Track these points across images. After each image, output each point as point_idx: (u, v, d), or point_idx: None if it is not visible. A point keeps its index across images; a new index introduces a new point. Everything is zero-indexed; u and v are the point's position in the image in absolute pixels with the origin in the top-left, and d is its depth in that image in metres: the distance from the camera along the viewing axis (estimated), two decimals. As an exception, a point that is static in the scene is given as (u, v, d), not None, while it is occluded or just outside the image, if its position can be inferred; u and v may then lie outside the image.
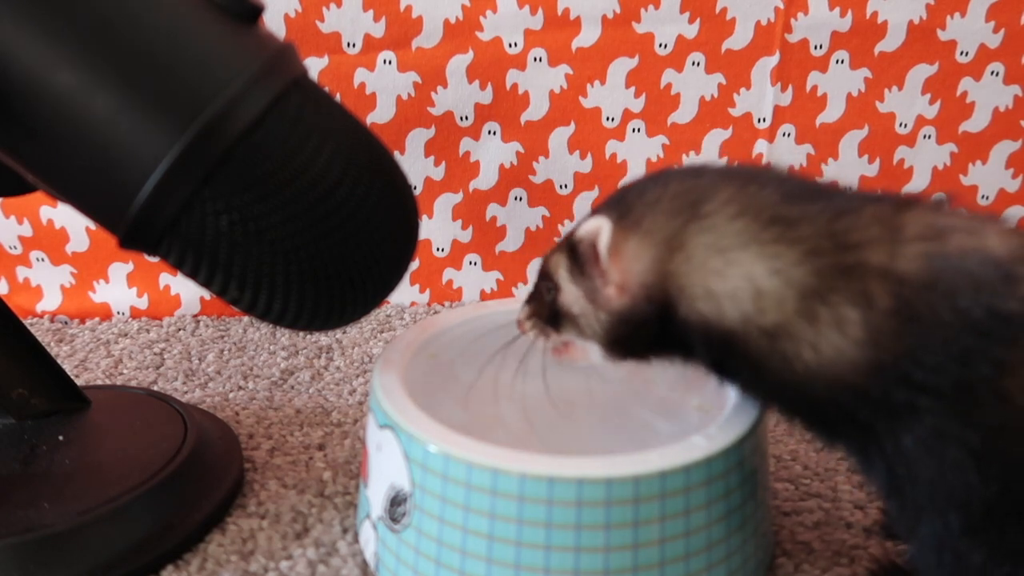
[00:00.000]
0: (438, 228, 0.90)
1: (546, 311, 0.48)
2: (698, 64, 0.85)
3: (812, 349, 0.39)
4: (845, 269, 0.39)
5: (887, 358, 0.37)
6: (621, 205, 0.45)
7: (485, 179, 0.88)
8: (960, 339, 0.36)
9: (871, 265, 0.38)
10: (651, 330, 0.44)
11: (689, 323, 0.42)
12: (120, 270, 0.88)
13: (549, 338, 0.48)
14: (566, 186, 0.89)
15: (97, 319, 0.88)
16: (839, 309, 0.38)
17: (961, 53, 0.87)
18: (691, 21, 0.84)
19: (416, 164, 0.87)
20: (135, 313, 0.89)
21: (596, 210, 0.47)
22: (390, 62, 0.83)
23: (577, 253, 0.45)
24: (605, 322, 0.45)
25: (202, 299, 0.89)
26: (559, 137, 0.87)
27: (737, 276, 0.40)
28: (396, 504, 0.47)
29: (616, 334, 0.45)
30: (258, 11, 0.45)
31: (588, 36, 0.83)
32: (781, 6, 0.83)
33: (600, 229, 0.43)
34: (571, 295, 0.46)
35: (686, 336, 0.43)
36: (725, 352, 0.42)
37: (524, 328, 0.49)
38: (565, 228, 0.90)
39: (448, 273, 0.92)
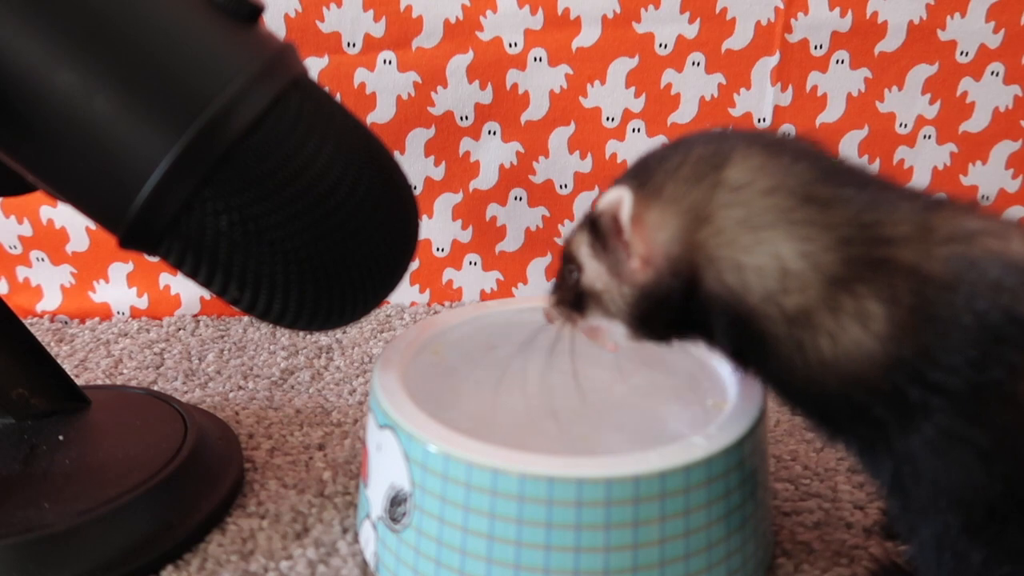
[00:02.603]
0: (438, 228, 0.90)
1: (571, 295, 0.46)
2: (698, 64, 0.85)
3: (830, 339, 0.38)
4: (874, 262, 0.38)
5: (905, 355, 0.37)
6: (642, 173, 0.43)
7: (485, 179, 0.88)
8: (977, 342, 0.36)
9: (901, 262, 0.38)
10: (675, 306, 0.42)
11: (714, 297, 0.41)
12: (120, 270, 0.88)
13: (576, 324, 0.47)
14: (566, 186, 0.89)
15: (97, 319, 0.88)
16: (864, 302, 0.38)
17: (961, 53, 0.87)
18: (691, 21, 0.83)
19: (416, 164, 0.87)
20: (135, 313, 0.89)
21: (617, 180, 0.45)
22: (390, 62, 0.83)
23: (598, 227, 0.44)
24: (629, 297, 0.43)
25: (202, 299, 0.89)
26: (559, 137, 0.87)
27: (765, 253, 0.39)
28: (396, 504, 0.47)
29: (640, 310, 0.44)
30: (258, 11, 0.45)
31: (588, 36, 0.83)
32: (781, 6, 0.83)
33: (621, 199, 0.42)
34: (594, 271, 0.45)
35: (708, 314, 0.42)
36: (743, 334, 0.41)
37: (551, 316, 0.48)
38: (565, 228, 0.90)
39: (448, 273, 0.92)
